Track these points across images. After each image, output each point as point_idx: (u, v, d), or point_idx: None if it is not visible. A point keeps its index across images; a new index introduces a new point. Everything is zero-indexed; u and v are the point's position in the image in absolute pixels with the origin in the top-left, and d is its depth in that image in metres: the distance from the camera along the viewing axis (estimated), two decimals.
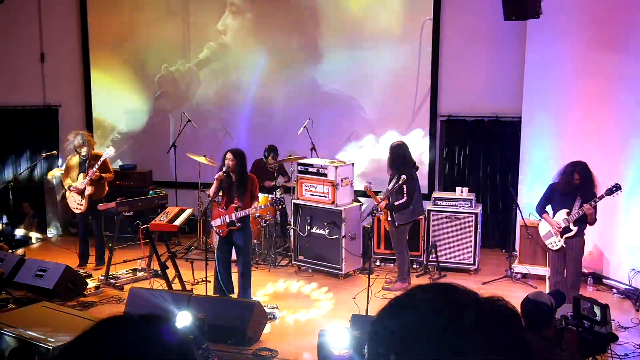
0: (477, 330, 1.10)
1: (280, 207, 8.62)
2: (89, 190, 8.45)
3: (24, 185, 10.21)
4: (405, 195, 7.56)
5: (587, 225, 6.82)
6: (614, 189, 6.61)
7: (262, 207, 7.46)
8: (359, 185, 8.94)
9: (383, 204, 7.66)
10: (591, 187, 6.69)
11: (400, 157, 7.72)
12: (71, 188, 8.55)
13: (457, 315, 1.13)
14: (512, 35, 9.22)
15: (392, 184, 7.71)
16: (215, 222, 7.15)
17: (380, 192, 8.02)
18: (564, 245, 6.84)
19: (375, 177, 9.67)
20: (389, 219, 7.80)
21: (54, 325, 5.40)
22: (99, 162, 8.43)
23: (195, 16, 10.63)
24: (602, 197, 6.63)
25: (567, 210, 6.76)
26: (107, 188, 8.79)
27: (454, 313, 1.13)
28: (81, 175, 8.51)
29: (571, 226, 6.75)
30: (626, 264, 7.80)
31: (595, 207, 6.66)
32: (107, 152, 8.68)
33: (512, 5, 7.33)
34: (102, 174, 8.53)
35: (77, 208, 8.60)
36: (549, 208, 7.00)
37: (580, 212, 6.64)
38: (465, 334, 1.10)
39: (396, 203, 7.62)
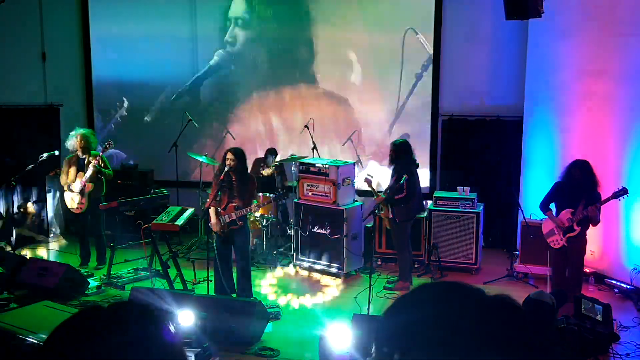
0: (482, 330, 1.09)
1: (282, 201, 8.61)
2: (89, 188, 8.43)
3: (25, 185, 10.20)
4: (405, 190, 7.55)
5: (590, 226, 6.81)
6: (621, 192, 6.58)
7: (263, 204, 7.44)
8: (361, 184, 8.95)
9: (381, 197, 7.69)
10: (594, 187, 6.68)
11: (402, 155, 7.71)
12: (70, 187, 8.53)
13: (461, 314, 1.12)
14: (513, 35, 9.22)
15: (393, 180, 7.72)
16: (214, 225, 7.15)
17: (381, 191, 8.02)
18: (566, 245, 6.83)
19: (376, 177, 9.69)
20: (390, 216, 7.80)
21: (56, 325, 5.40)
22: (97, 159, 8.40)
23: (201, 21, 10.71)
24: (607, 200, 6.61)
25: (572, 210, 6.75)
26: (104, 187, 8.77)
27: (458, 312, 1.13)
28: (79, 174, 8.48)
29: (574, 226, 6.74)
30: (628, 263, 7.80)
31: (599, 210, 6.65)
32: (109, 150, 8.65)
33: (514, 4, 7.32)
34: (102, 169, 8.50)
35: (77, 208, 8.56)
36: (552, 206, 7.01)
37: (585, 214, 6.63)
38: (470, 333, 1.09)
39: (395, 197, 7.61)
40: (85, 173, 8.39)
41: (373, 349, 1.19)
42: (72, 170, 8.52)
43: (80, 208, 8.53)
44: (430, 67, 9.80)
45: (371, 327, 5.29)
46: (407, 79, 9.88)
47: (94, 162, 8.33)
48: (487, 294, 1.17)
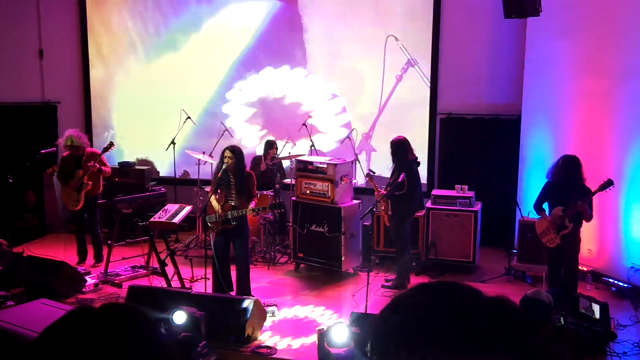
0: (478, 332, 1.09)
1: (279, 210, 8.62)
2: (87, 186, 8.43)
3: (23, 182, 10.18)
4: (405, 187, 7.55)
5: (583, 222, 6.82)
6: (607, 184, 6.62)
7: (259, 209, 7.38)
8: (360, 181, 8.97)
9: (383, 192, 7.69)
10: (582, 182, 6.70)
11: (400, 153, 7.72)
12: (67, 184, 8.53)
13: (459, 315, 1.12)
14: (512, 33, 9.22)
15: (393, 177, 7.73)
16: (211, 219, 7.16)
17: (381, 188, 8.02)
18: (560, 243, 6.84)
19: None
20: (389, 212, 7.80)
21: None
22: (96, 158, 8.42)
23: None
24: (594, 193, 6.65)
25: (563, 207, 6.77)
26: (102, 186, 8.78)
27: (456, 313, 1.12)
28: (77, 172, 8.48)
29: (566, 223, 6.75)
30: (625, 262, 7.80)
31: (590, 204, 6.66)
32: (108, 147, 8.64)
33: (512, 3, 7.33)
34: (101, 167, 8.53)
35: (73, 205, 8.57)
36: (545, 206, 7.03)
37: (575, 209, 6.65)
38: (468, 335, 1.09)
39: (396, 193, 7.61)
40: (82, 171, 8.40)
41: (368, 347, 1.19)
42: (69, 167, 8.53)
43: (75, 205, 8.53)
44: (409, 70, 9.87)
45: (369, 324, 5.29)
46: (389, 81, 9.98)
47: (92, 163, 8.36)
48: (484, 295, 1.17)
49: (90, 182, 8.45)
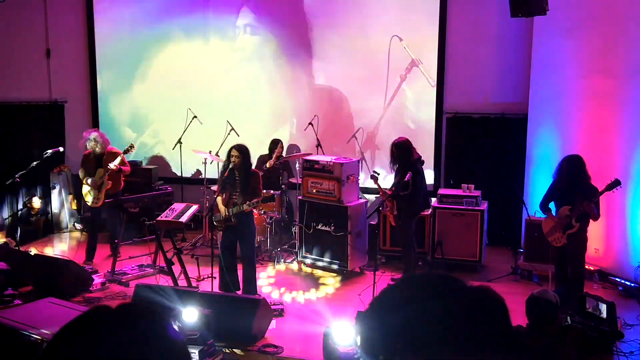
0: (463, 322, 1.10)
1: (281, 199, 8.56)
2: (107, 185, 8.54)
3: (30, 182, 10.22)
4: (410, 187, 7.56)
5: (590, 221, 6.81)
6: (614, 184, 6.60)
7: (253, 204, 7.28)
8: (366, 181, 8.96)
9: (388, 192, 7.69)
10: (588, 181, 6.69)
11: (404, 154, 7.71)
12: (87, 181, 8.63)
13: (447, 308, 1.14)
14: (518, 32, 9.20)
15: (398, 177, 7.72)
16: (217, 218, 7.19)
17: (387, 188, 8.02)
18: (567, 242, 6.83)
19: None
20: (395, 212, 7.80)
21: (60, 321, 5.40)
22: (117, 158, 8.53)
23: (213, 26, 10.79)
24: (601, 192, 6.63)
25: (569, 207, 6.75)
26: (122, 183, 8.88)
27: (444, 306, 1.14)
28: (98, 170, 8.60)
29: (573, 222, 6.74)
30: (632, 261, 7.78)
31: (597, 203, 6.65)
32: (128, 148, 8.76)
33: (519, 2, 7.31)
34: (121, 167, 8.63)
35: (93, 202, 8.68)
36: (552, 205, 7.01)
37: (582, 209, 6.64)
38: (452, 327, 1.10)
39: (401, 194, 7.61)
40: (104, 169, 8.54)
41: (359, 341, 1.21)
42: (91, 166, 8.67)
43: (97, 203, 8.63)
44: (413, 70, 9.87)
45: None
46: (393, 80, 9.99)
47: (114, 164, 8.48)
48: (469, 285, 1.19)
49: (110, 182, 8.56)
